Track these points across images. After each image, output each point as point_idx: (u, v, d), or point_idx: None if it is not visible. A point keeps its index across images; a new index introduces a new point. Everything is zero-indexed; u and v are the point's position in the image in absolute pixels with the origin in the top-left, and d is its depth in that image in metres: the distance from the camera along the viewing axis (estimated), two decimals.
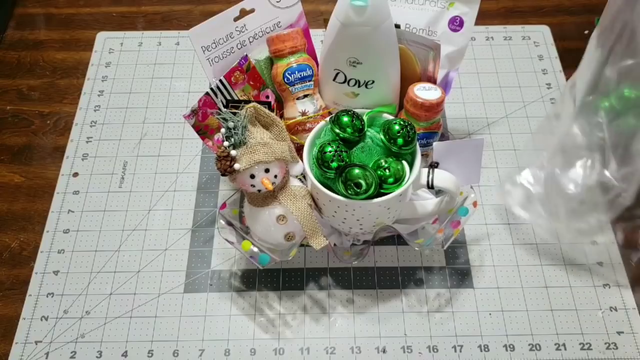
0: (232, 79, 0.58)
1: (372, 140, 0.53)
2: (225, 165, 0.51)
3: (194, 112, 0.57)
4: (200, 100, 0.57)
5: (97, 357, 0.57)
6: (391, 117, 0.56)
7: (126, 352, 0.58)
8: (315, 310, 0.60)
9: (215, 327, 0.59)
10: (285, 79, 0.58)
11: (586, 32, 0.82)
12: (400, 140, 0.52)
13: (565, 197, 0.56)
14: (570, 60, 0.79)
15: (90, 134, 0.72)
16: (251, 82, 0.60)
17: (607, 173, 0.54)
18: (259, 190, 0.53)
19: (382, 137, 0.52)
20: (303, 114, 0.59)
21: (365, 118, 0.54)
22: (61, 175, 0.69)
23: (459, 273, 0.62)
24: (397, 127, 0.52)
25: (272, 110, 0.59)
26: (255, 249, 0.55)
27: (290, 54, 0.59)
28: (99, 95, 0.76)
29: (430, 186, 0.54)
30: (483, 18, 0.82)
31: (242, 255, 0.63)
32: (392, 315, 0.59)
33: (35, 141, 0.73)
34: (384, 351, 0.57)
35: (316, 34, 0.69)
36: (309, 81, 0.59)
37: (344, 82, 0.58)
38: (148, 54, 0.80)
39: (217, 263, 0.63)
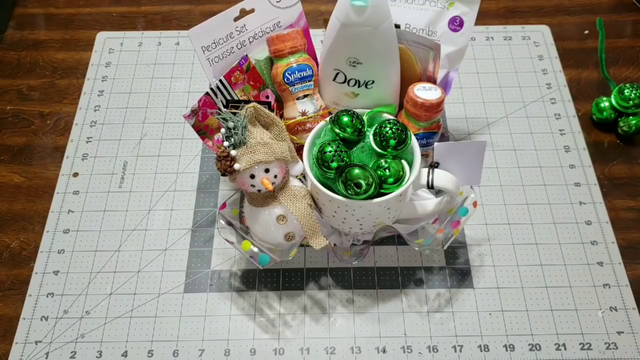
0: (232, 79, 0.58)
1: None
2: (225, 165, 0.51)
3: (194, 112, 0.57)
4: (200, 100, 0.57)
5: (97, 357, 0.57)
6: (391, 117, 0.56)
7: (126, 352, 0.58)
8: (315, 310, 0.60)
9: (215, 327, 0.59)
10: (285, 79, 0.58)
11: (586, 32, 0.82)
12: (392, 142, 0.51)
13: None
14: (570, 60, 0.79)
15: (90, 134, 0.72)
16: (251, 82, 0.60)
17: None
18: (259, 190, 0.53)
19: (374, 144, 0.52)
20: (303, 114, 0.59)
21: (365, 118, 0.54)
22: (61, 175, 0.69)
23: (459, 273, 0.62)
24: (387, 130, 0.51)
25: (272, 110, 0.59)
26: (255, 249, 0.55)
27: (290, 54, 0.59)
28: (99, 95, 0.76)
29: (430, 186, 0.54)
30: (483, 18, 0.82)
31: (242, 255, 0.63)
32: (392, 315, 0.59)
33: (35, 141, 0.73)
34: (384, 351, 0.57)
35: (316, 34, 0.69)
36: (309, 81, 0.59)
37: (344, 82, 0.58)
38: (148, 54, 0.80)
39: (217, 263, 0.63)
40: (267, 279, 0.62)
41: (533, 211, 0.66)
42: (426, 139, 0.59)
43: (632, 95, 0.69)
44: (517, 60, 0.79)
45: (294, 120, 0.60)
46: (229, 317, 0.59)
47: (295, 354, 0.57)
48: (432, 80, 0.59)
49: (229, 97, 0.58)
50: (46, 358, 0.57)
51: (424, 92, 0.57)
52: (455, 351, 0.57)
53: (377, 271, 0.62)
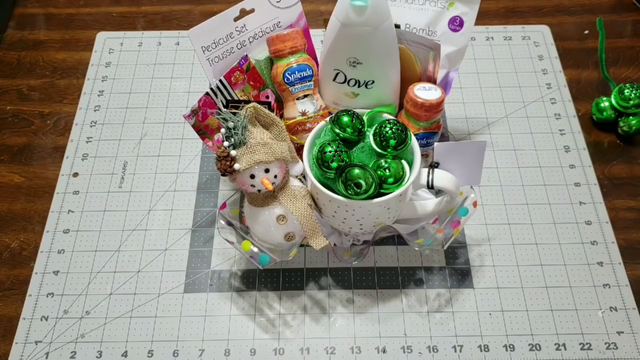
0: (232, 79, 0.58)
1: None
2: (225, 166, 0.51)
3: (194, 112, 0.57)
4: (200, 100, 0.57)
5: (97, 357, 0.57)
6: (391, 117, 0.56)
7: (126, 352, 0.58)
8: (315, 310, 0.60)
9: (215, 327, 0.59)
10: (285, 79, 0.58)
11: (586, 32, 0.82)
12: (392, 142, 0.51)
13: None
14: (570, 60, 0.79)
15: (90, 134, 0.72)
16: (251, 82, 0.60)
17: None
18: (259, 190, 0.53)
19: (374, 144, 0.52)
20: (303, 114, 0.59)
21: (365, 118, 0.54)
22: (61, 175, 0.69)
23: (459, 273, 0.62)
24: (387, 130, 0.52)
25: (272, 110, 0.59)
26: (255, 249, 0.55)
27: (290, 54, 0.59)
28: (99, 95, 0.76)
29: (430, 186, 0.54)
30: (483, 18, 0.82)
31: (242, 255, 0.63)
32: (392, 315, 0.59)
33: (35, 141, 0.73)
34: (384, 351, 0.57)
35: (316, 34, 0.69)
36: (309, 81, 0.59)
37: (344, 82, 0.58)
38: (148, 54, 0.80)
39: (217, 263, 0.63)
40: (267, 279, 0.62)
41: (533, 211, 0.66)
42: (426, 139, 0.59)
43: (632, 95, 0.69)
44: (517, 60, 0.79)
45: (294, 120, 0.60)
46: (229, 317, 0.59)
47: (295, 354, 0.57)
48: (432, 80, 0.59)
49: (229, 97, 0.58)
50: (46, 358, 0.57)
51: (424, 92, 0.57)
52: (455, 351, 0.57)
53: (377, 271, 0.62)
